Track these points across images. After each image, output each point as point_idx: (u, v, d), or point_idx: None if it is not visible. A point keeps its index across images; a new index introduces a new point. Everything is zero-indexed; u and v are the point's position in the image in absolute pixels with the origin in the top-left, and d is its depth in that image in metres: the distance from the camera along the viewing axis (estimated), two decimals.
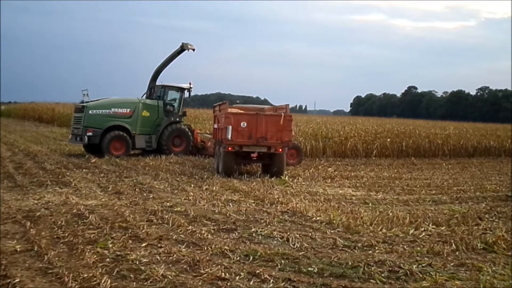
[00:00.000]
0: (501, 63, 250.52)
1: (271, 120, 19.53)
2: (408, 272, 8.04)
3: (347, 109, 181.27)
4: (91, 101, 26.03)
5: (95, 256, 8.29)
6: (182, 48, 27.06)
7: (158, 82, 27.79)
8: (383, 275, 7.90)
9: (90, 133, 24.91)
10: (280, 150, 19.34)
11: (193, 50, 27.31)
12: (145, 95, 27.38)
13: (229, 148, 19.33)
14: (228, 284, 7.36)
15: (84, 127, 25.07)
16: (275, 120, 19.48)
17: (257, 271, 7.82)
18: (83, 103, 25.79)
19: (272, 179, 18.58)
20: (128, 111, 25.93)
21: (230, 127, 19.22)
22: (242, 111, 21.46)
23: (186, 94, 27.63)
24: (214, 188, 15.84)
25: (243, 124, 19.31)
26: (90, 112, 25.27)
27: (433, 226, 11.45)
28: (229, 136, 19.20)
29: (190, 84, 27.55)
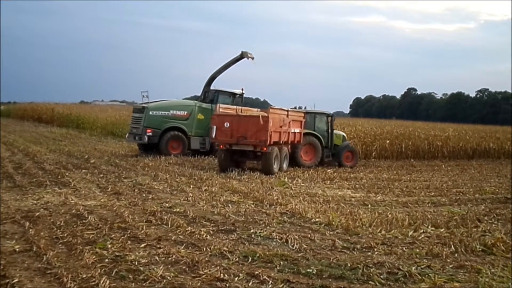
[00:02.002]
0: (501, 65, 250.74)
1: (251, 121, 20.98)
2: (407, 273, 8.04)
3: (347, 110, 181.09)
4: (151, 102, 27.32)
5: (94, 257, 8.29)
6: (241, 56, 28.45)
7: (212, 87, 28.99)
8: (382, 276, 7.90)
9: (150, 133, 26.35)
10: (264, 149, 20.56)
11: (252, 58, 28.75)
12: (199, 98, 28.72)
13: (221, 146, 21.36)
14: (227, 285, 7.36)
15: (144, 127, 26.46)
16: (254, 121, 20.80)
17: (256, 272, 7.83)
18: (143, 104, 27.13)
19: (271, 180, 18.61)
20: (185, 114, 27.19)
21: (215, 127, 21.20)
22: (226, 113, 23.11)
23: (238, 99, 28.69)
24: (213, 189, 15.84)
25: (226, 125, 20.99)
26: (150, 113, 26.65)
27: (432, 228, 11.46)
28: (213, 135, 21.34)
29: (242, 90, 28.91)
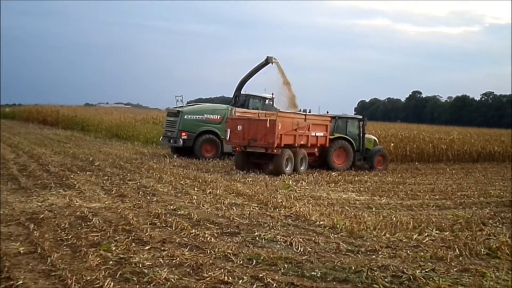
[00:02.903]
0: (506, 68, 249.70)
1: (260, 124, 21.70)
2: (411, 277, 8.03)
3: (352, 113, 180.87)
4: (185, 106, 28.75)
5: (98, 259, 8.30)
6: (267, 61, 29.27)
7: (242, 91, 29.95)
8: (386, 280, 7.89)
9: (185, 137, 27.08)
10: (274, 151, 21.30)
11: (277, 63, 29.59)
12: (230, 103, 29.57)
13: (237, 148, 22.66)
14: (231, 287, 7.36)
15: (179, 131, 27.18)
16: (263, 124, 21.53)
17: (260, 275, 7.83)
18: (177, 108, 28.19)
19: (276, 182, 18.61)
20: (218, 118, 27.62)
21: (229, 130, 22.39)
22: (239, 116, 24.05)
23: (268, 103, 29.53)
24: (218, 192, 15.84)
25: (239, 128, 22.07)
26: (185, 117, 27.38)
27: (437, 231, 11.44)
28: (228, 138, 22.54)
29: (272, 94, 29.66)
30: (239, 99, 29.56)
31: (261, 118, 22.69)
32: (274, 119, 21.54)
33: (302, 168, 22.82)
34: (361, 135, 26.20)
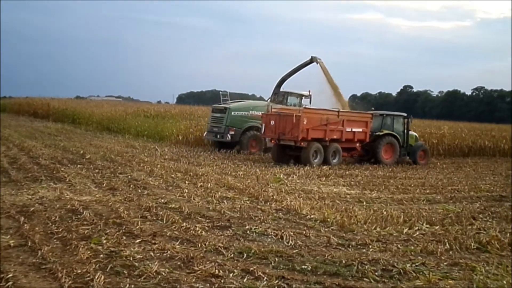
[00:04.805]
0: (497, 63, 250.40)
1: (288, 120, 23.65)
2: (401, 271, 8.06)
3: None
4: (232, 102, 29.99)
5: (89, 252, 8.29)
6: (311, 61, 30.93)
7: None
8: (376, 273, 7.93)
9: (232, 132, 28.39)
10: (302, 144, 23.34)
11: (322, 63, 31.03)
12: (269, 99, 31.11)
13: (272, 141, 25.07)
14: (222, 281, 7.37)
15: (226, 126, 28.45)
16: (290, 120, 23.51)
17: (251, 269, 7.84)
18: (222, 104, 29.77)
19: (267, 176, 18.63)
20: (261, 114, 27.85)
21: (264, 124, 24.94)
22: (271, 112, 26.40)
23: (305, 100, 30.47)
24: (209, 185, 15.83)
25: (272, 122, 24.38)
26: (232, 113, 28.68)
27: (427, 225, 11.49)
28: (263, 131, 25.35)
29: (309, 91, 30.46)
30: (278, 96, 30.89)
31: (288, 113, 24.43)
32: (300, 114, 23.50)
33: (334, 160, 24.34)
34: (405, 131, 27.63)
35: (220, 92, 30.81)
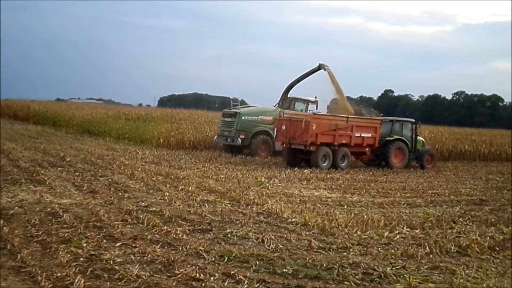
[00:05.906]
0: (477, 68, 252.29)
1: (298, 125, 24.76)
2: (382, 274, 8.10)
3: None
4: (242, 107, 31.30)
5: (68, 256, 8.23)
6: (319, 68, 31.28)
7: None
8: (357, 277, 7.95)
9: (243, 136, 29.29)
10: (311, 148, 24.40)
11: (329, 70, 31.48)
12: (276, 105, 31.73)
13: (284, 145, 25.96)
14: (203, 284, 7.36)
15: (237, 130, 29.38)
16: (299, 125, 24.66)
17: (232, 272, 7.84)
18: (232, 109, 31.00)
19: (249, 180, 18.64)
20: (271, 119, 29.28)
21: (276, 129, 26.07)
22: (282, 117, 27.52)
23: (311, 106, 31.71)
24: (190, 189, 15.80)
25: (283, 127, 25.48)
26: (243, 118, 29.64)
27: (408, 229, 11.55)
28: (275, 136, 26.40)
29: (315, 97, 31.60)
30: (286, 102, 31.69)
31: (299, 119, 25.43)
32: (309, 120, 24.63)
33: (343, 164, 25.26)
34: (413, 136, 28.53)
35: (231, 98, 32.52)
